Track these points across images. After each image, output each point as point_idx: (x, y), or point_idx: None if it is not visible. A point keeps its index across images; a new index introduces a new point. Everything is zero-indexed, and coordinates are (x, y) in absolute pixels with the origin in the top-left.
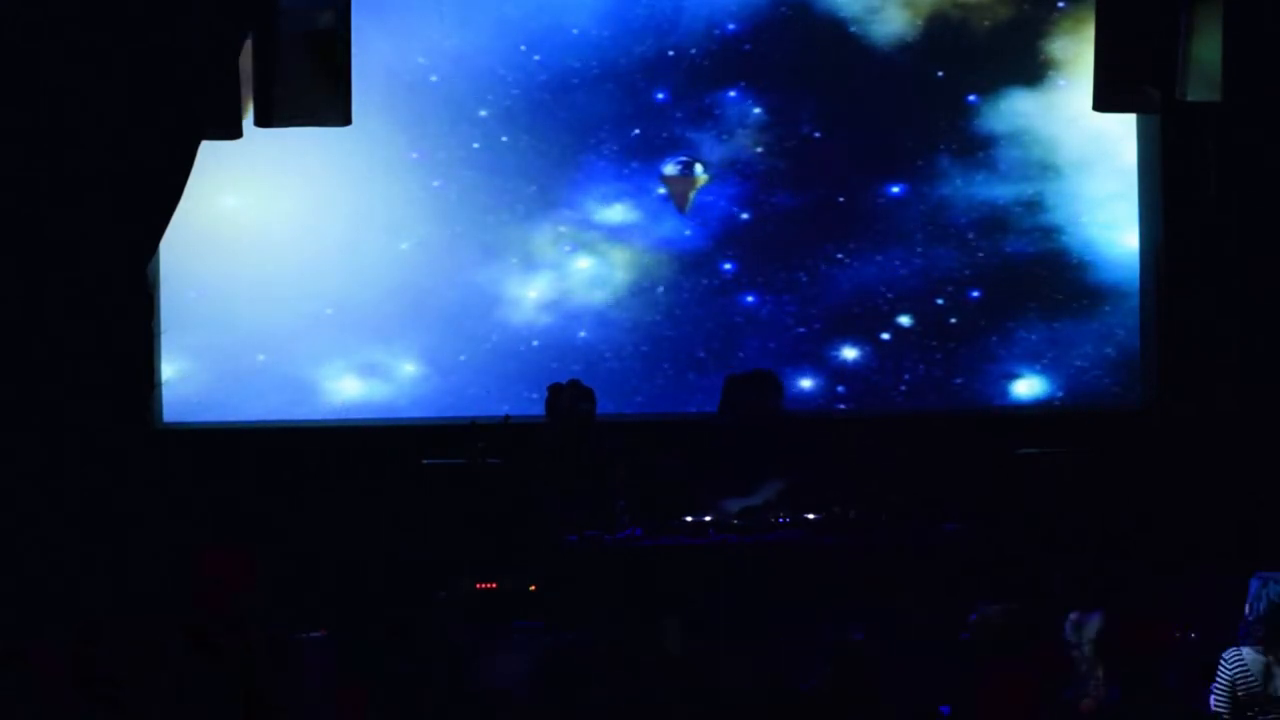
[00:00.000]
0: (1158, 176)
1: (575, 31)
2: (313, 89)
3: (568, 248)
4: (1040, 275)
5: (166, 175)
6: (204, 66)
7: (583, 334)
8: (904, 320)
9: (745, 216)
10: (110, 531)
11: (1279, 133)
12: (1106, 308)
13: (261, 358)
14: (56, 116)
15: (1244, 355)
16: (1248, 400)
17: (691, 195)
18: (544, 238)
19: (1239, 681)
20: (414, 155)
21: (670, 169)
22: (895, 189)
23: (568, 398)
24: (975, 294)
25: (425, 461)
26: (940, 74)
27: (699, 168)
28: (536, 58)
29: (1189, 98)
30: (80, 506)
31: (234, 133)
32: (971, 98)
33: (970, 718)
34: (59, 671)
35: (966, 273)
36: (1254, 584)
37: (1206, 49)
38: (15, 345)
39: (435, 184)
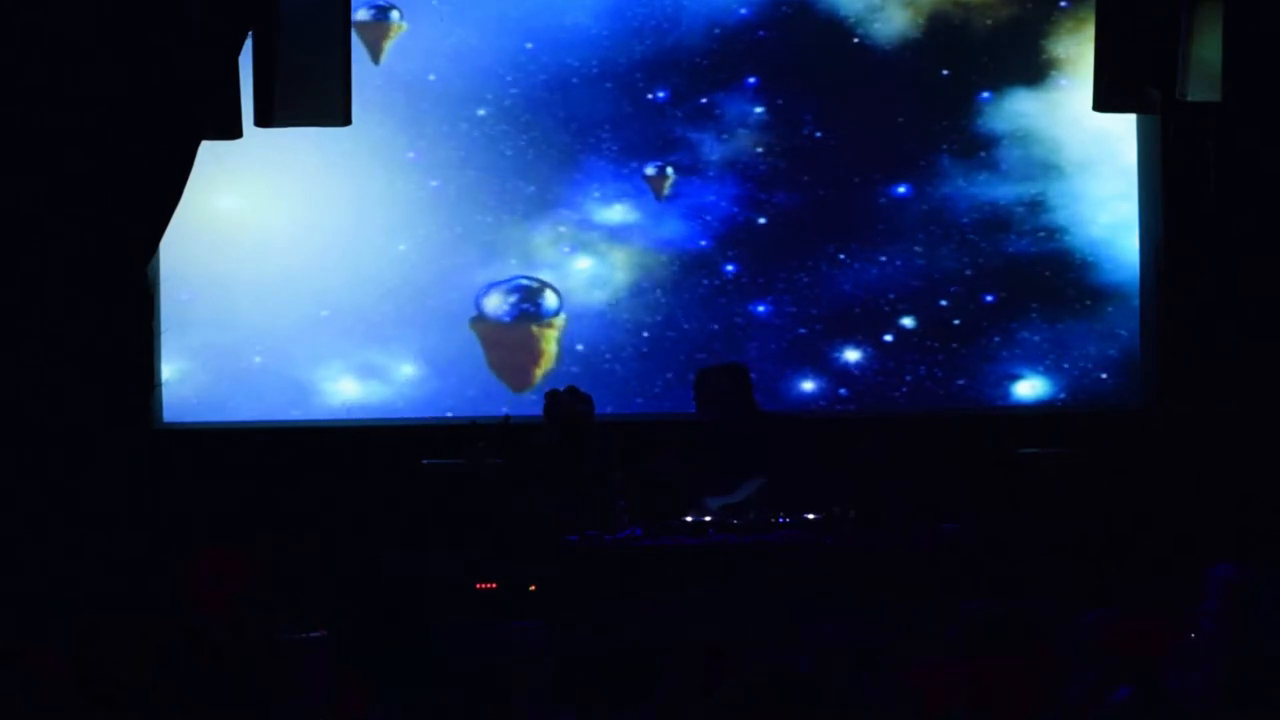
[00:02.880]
0: (1158, 176)
1: (574, 30)
2: (313, 89)
3: (567, 248)
4: (1043, 276)
5: (166, 175)
6: (204, 66)
7: (581, 336)
8: (906, 321)
9: (746, 217)
10: (110, 531)
11: (1279, 133)
12: (1109, 308)
13: (259, 359)
14: (56, 116)
15: (1244, 355)
16: (1247, 400)
17: (665, 186)
18: (543, 238)
19: None
20: (411, 155)
21: (650, 170)
22: (898, 189)
23: (565, 404)
24: (977, 295)
25: (425, 461)
26: (945, 73)
27: (669, 169)
28: (529, 45)
29: (1189, 98)
30: (80, 506)
31: (234, 133)
32: (985, 94)
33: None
34: (59, 671)
35: (968, 273)
36: None
37: (1206, 49)
38: (15, 345)
39: (434, 184)
